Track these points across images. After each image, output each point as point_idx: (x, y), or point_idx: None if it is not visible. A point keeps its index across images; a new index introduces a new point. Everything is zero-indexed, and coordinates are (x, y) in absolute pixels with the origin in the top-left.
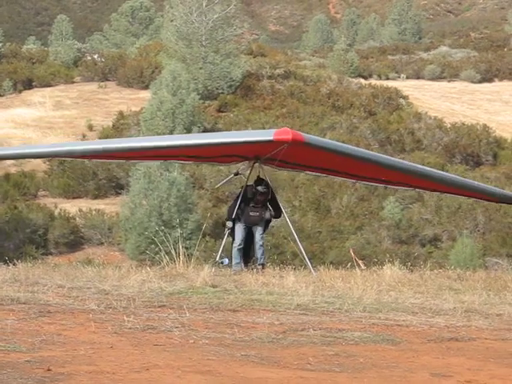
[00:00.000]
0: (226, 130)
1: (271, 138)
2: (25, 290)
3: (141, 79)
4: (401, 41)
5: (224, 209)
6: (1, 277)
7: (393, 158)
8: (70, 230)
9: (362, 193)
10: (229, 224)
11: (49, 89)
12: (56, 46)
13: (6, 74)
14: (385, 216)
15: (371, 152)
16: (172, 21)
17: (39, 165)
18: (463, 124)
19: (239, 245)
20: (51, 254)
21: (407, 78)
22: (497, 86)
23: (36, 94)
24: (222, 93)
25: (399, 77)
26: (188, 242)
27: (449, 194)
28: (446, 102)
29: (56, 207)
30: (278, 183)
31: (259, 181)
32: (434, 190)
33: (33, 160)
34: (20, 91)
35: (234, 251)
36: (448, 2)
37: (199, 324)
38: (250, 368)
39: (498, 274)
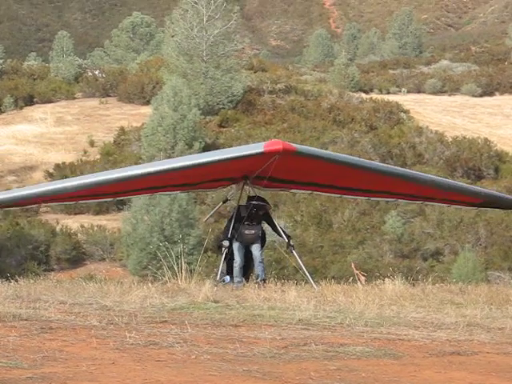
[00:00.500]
0: (227, 145)
1: (262, 150)
2: (27, 306)
3: (142, 95)
4: (401, 55)
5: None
6: (3, 293)
7: (386, 165)
8: (72, 246)
9: (363, 207)
10: (225, 243)
11: (50, 105)
12: (57, 62)
13: (7, 91)
14: (386, 230)
15: (364, 159)
16: (173, 36)
17: (41, 180)
18: (464, 138)
19: (240, 263)
20: (53, 270)
21: (408, 92)
22: (498, 99)
23: (37, 110)
24: (223, 108)
25: (400, 91)
26: (190, 257)
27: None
28: (447, 115)
29: (58, 223)
30: (279, 198)
31: (252, 197)
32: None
33: (34, 175)
34: (21, 107)
35: (236, 270)
36: (448, 16)
37: (201, 339)
38: (251, 383)
39: (500, 287)
